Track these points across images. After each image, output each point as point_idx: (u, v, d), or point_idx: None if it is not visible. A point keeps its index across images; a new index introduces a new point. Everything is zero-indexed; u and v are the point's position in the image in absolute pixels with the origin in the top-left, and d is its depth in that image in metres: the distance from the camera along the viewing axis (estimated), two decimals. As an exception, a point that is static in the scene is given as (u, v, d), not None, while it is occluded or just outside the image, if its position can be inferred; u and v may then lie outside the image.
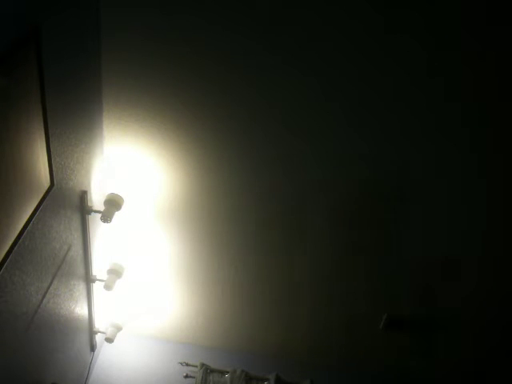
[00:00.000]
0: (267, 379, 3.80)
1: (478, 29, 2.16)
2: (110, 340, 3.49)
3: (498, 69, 2.28)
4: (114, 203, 2.75)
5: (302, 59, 2.33)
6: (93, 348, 3.57)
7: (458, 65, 2.29)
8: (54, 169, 1.96)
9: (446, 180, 2.73)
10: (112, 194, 2.78)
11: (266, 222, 3.08)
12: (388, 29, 2.20)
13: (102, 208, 2.75)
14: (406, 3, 2.12)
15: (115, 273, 3.13)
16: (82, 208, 2.59)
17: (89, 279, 2.99)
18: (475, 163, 2.64)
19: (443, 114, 2.46)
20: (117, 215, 2.79)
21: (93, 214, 2.71)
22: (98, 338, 3.64)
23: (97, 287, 3.17)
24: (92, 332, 3.41)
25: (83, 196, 2.56)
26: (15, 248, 1.70)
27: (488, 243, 3.03)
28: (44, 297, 2.25)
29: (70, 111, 2.13)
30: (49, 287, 2.28)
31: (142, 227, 3.22)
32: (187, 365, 3.84)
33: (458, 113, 2.46)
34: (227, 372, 3.78)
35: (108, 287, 3.06)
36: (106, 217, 2.68)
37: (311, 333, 3.80)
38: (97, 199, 2.83)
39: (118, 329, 3.55)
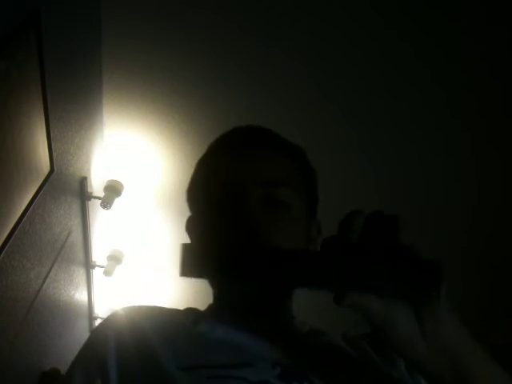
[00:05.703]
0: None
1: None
2: (109, 326, 3.51)
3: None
4: (113, 189, 2.74)
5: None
6: (92, 333, 3.59)
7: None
8: (54, 154, 1.95)
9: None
10: (112, 180, 2.77)
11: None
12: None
13: (101, 194, 2.75)
14: None
15: (115, 259, 3.15)
16: (82, 194, 2.59)
17: (88, 265, 3.00)
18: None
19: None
20: (117, 201, 2.79)
21: (93, 200, 2.71)
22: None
23: (96, 273, 3.18)
24: (92, 318, 3.43)
25: (83, 182, 2.56)
26: (15, 233, 1.69)
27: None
28: (44, 282, 2.25)
29: (70, 96, 2.12)
30: (49, 272, 2.29)
31: (141, 213, 3.22)
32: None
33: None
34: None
35: (108, 273, 3.07)
36: (106, 203, 2.67)
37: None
38: (97, 185, 2.82)
39: (118, 315, 3.57)
